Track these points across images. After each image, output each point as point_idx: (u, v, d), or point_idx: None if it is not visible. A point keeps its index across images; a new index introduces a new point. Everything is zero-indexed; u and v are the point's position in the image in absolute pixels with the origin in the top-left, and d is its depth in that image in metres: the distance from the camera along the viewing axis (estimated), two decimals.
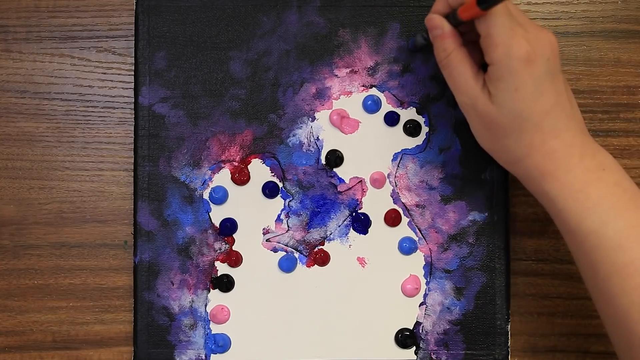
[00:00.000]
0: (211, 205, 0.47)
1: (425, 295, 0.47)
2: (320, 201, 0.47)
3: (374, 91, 0.48)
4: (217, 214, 0.47)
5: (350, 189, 0.47)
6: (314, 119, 0.47)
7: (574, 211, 0.39)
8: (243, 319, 0.47)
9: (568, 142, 0.40)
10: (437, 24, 0.41)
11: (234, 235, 0.47)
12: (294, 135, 0.47)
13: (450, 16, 0.41)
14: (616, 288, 0.38)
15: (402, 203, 0.47)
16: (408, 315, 0.47)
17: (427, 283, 0.47)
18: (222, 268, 0.47)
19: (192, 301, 0.47)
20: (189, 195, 0.47)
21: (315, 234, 0.47)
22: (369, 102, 0.47)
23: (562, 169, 0.39)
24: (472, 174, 0.47)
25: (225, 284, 0.47)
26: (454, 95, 0.41)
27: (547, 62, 0.39)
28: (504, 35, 0.38)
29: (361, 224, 0.47)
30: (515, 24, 0.39)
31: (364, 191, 0.47)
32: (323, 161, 0.47)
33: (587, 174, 0.39)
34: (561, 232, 0.41)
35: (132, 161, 0.47)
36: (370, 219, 0.47)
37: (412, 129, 0.47)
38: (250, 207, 0.47)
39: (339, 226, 0.47)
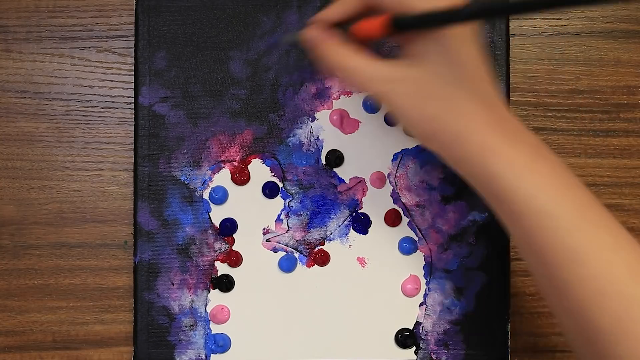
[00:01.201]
0: (211, 205, 0.47)
1: (425, 295, 0.47)
2: (320, 201, 0.47)
3: None
4: (217, 214, 0.47)
5: (350, 189, 0.47)
6: (314, 119, 0.47)
7: (522, 188, 0.34)
8: (243, 319, 0.47)
9: (505, 116, 0.36)
10: (313, 33, 0.38)
11: (234, 235, 0.47)
12: (294, 135, 0.47)
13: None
14: (571, 275, 0.34)
15: (402, 203, 0.47)
16: (408, 315, 0.47)
17: (427, 283, 0.47)
18: (222, 268, 0.47)
19: (192, 301, 0.47)
20: (189, 195, 0.47)
21: (315, 234, 0.47)
22: (369, 102, 0.47)
23: (507, 143, 0.35)
24: None
25: (225, 284, 0.47)
26: (351, 84, 0.37)
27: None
28: None
29: (361, 224, 0.47)
30: None
31: (364, 191, 0.47)
32: (323, 161, 0.47)
33: (532, 149, 0.35)
34: (502, 215, 0.36)
35: (132, 161, 0.47)
36: (370, 219, 0.47)
37: None
38: (250, 207, 0.47)
39: (339, 226, 0.47)
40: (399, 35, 0.35)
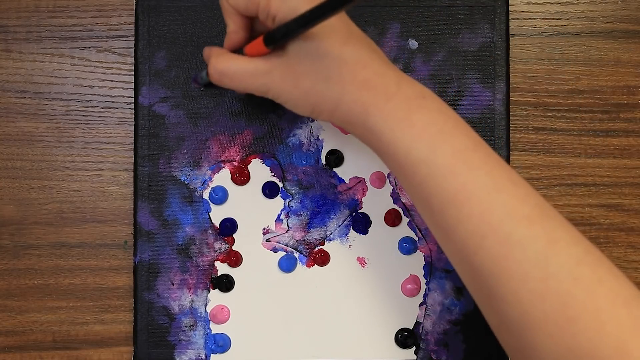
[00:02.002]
0: (211, 205, 0.47)
1: (425, 295, 0.47)
2: (320, 201, 0.47)
3: None
4: (217, 214, 0.47)
5: (350, 189, 0.47)
6: (314, 119, 0.47)
7: (400, 141, 0.36)
8: (243, 319, 0.47)
9: (379, 71, 0.37)
10: (205, 53, 0.42)
11: (234, 235, 0.47)
12: (294, 135, 0.47)
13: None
14: (452, 219, 0.35)
15: (402, 203, 0.47)
16: (408, 315, 0.47)
17: (427, 283, 0.47)
18: (222, 268, 0.47)
19: (192, 301, 0.47)
20: (189, 195, 0.47)
21: (315, 234, 0.47)
22: None
23: (382, 99, 0.37)
24: None
25: (225, 284, 0.47)
26: (239, 87, 0.40)
27: None
28: None
29: (361, 224, 0.47)
30: None
31: (364, 191, 0.47)
32: (323, 161, 0.47)
33: (408, 101, 0.37)
34: (391, 169, 0.38)
35: (132, 161, 0.47)
36: (370, 219, 0.47)
37: None
38: (250, 207, 0.47)
39: (339, 226, 0.47)
40: (279, 45, 0.38)
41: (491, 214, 0.35)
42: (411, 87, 0.37)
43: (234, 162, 0.47)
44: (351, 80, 0.37)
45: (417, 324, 0.47)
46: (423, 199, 0.37)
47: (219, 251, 0.47)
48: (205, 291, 0.47)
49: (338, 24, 0.37)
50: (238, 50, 0.41)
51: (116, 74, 0.49)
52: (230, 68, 0.39)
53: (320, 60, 0.37)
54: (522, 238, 0.34)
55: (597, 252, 0.34)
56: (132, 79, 0.48)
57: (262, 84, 0.39)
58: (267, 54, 0.38)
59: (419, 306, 0.47)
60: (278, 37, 0.37)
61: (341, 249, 0.47)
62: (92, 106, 0.49)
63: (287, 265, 0.47)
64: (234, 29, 0.40)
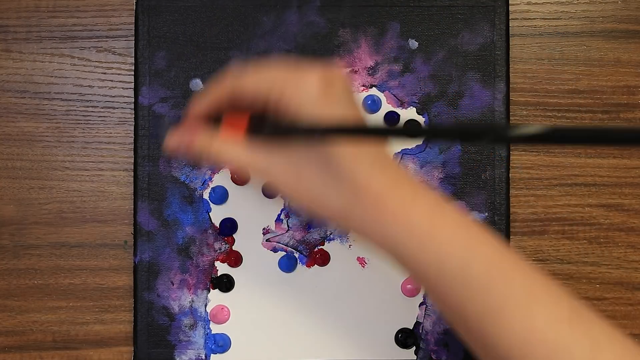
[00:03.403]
0: (211, 205, 0.47)
1: (425, 295, 0.47)
2: None
3: (374, 91, 0.48)
4: (217, 214, 0.47)
5: None
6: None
7: (429, 256, 0.34)
8: (243, 319, 0.47)
9: (394, 181, 0.35)
10: (177, 138, 0.38)
11: (234, 235, 0.47)
12: None
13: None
14: (493, 331, 0.34)
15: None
16: (408, 315, 0.47)
17: None
18: (222, 268, 0.47)
19: (192, 301, 0.47)
20: (189, 195, 0.47)
21: (315, 234, 0.47)
22: (369, 101, 0.47)
23: (401, 211, 0.34)
24: (472, 174, 0.47)
25: (225, 284, 0.47)
26: (251, 169, 0.37)
27: (345, 88, 0.34)
28: (281, 74, 0.34)
29: None
30: (289, 68, 0.35)
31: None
32: None
33: (429, 211, 0.34)
34: (416, 277, 0.35)
35: (132, 161, 0.47)
36: None
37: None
38: (250, 207, 0.47)
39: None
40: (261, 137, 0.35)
41: (534, 323, 0.34)
42: (426, 195, 0.35)
43: None
44: (366, 190, 0.34)
45: (417, 324, 0.47)
46: (454, 307, 0.35)
47: (219, 251, 0.47)
48: (205, 291, 0.47)
49: (355, 111, 0.35)
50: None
51: (116, 74, 0.49)
52: (226, 156, 0.36)
53: (331, 165, 0.34)
54: (568, 343, 0.33)
55: (636, 347, 0.34)
56: (132, 79, 0.48)
57: (266, 176, 0.36)
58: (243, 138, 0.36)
59: (419, 306, 0.47)
60: (271, 134, 0.34)
61: (341, 249, 0.47)
62: (92, 106, 0.49)
63: (287, 265, 0.47)
64: (216, 99, 0.37)
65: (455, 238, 0.34)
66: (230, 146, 0.36)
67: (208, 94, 0.37)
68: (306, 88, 0.34)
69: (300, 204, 0.36)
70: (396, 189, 0.34)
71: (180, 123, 0.39)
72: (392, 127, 0.28)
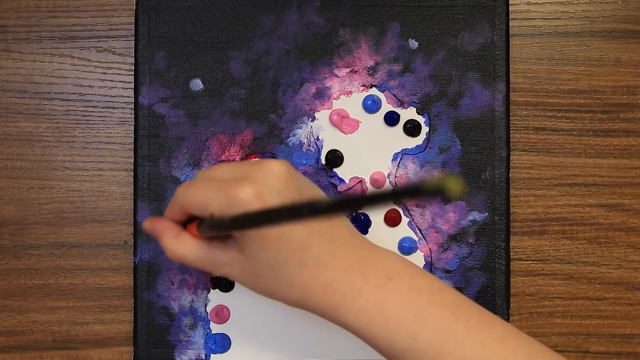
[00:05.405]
0: None
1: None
2: None
3: (374, 91, 0.48)
4: None
5: (350, 189, 0.47)
6: (314, 119, 0.47)
7: (380, 336, 0.35)
8: (243, 319, 0.47)
9: (342, 267, 0.36)
10: (150, 227, 0.40)
11: None
12: (294, 135, 0.47)
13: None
14: None
15: (402, 203, 0.47)
16: None
17: None
18: None
19: (192, 301, 0.47)
20: None
21: None
22: (369, 102, 0.47)
23: (349, 298, 0.35)
24: (472, 174, 0.47)
25: (225, 284, 0.47)
26: (211, 270, 0.39)
27: (279, 193, 0.35)
28: (213, 193, 0.35)
29: (361, 223, 0.47)
30: (222, 181, 0.36)
31: (363, 191, 0.47)
32: (323, 161, 0.47)
33: (376, 292, 0.35)
34: (373, 348, 0.37)
35: (132, 161, 0.47)
36: (370, 219, 0.47)
37: (412, 129, 0.47)
38: None
39: None
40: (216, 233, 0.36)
41: None
42: (376, 270, 0.36)
43: None
44: (313, 285, 0.36)
45: None
46: None
47: None
48: (205, 291, 0.47)
49: (296, 227, 0.35)
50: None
51: (116, 74, 0.49)
52: (189, 256, 0.38)
53: (279, 267, 0.35)
54: None
55: None
56: (132, 79, 0.48)
57: (223, 274, 0.38)
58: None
59: None
60: (213, 228, 0.35)
61: None
62: (92, 106, 0.49)
63: None
64: (175, 213, 0.39)
65: (403, 315, 0.35)
66: (192, 246, 0.38)
67: (169, 209, 0.39)
68: (239, 203, 0.34)
69: (262, 294, 0.38)
70: (344, 272, 0.36)
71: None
72: (320, 202, 0.27)
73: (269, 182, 0.35)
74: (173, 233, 0.38)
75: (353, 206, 0.26)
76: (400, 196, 0.24)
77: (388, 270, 0.36)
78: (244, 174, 0.36)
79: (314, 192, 0.38)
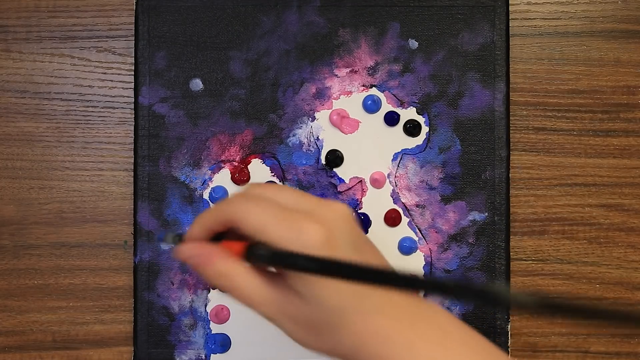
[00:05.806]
0: (211, 205, 0.47)
1: (425, 296, 0.47)
2: None
3: (374, 91, 0.48)
4: None
5: (350, 189, 0.47)
6: (314, 118, 0.47)
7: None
8: (243, 319, 0.47)
9: (394, 316, 0.33)
10: (195, 252, 0.34)
11: None
12: (294, 135, 0.47)
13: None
14: None
15: (402, 203, 0.47)
16: None
17: None
18: None
19: (192, 301, 0.47)
20: (189, 195, 0.47)
21: None
22: (369, 102, 0.47)
23: (405, 351, 0.32)
24: (472, 174, 0.47)
25: None
26: (255, 309, 0.34)
27: (349, 235, 0.33)
28: (276, 219, 0.32)
29: (361, 224, 0.47)
30: (286, 210, 0.32)
31: (363, 191, 0.47)
32: (323, 161, 0.47)
33: (428, 344, 0.33)
34: None
35: (132, 161, 0.47)
36: (370, 219, 0.47)
37: (412, 129, 0.47)
38: None
39: None
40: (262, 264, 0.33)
41: None
42: (427, 321, 0.33)
43: (234, 162, 0.47)
44: (370, 333, 0.32)
45: None
46: None
47: None
48: (205, 291, 0.47)
49: (343, 293, 0.32)
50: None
51: (116, 74, 0.49)
52: (244, 288, 0.33)
53: (340, 312, 0.32)
54: None
55: None
56: (132, 79, 0.48)
57: (269, 313, 0.34)
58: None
59: None
60: (266, 261, 0.32)
61: None
62: (92, 106, 0.49)
63: None
64: (216, 224, 0.34)
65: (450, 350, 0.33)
66: (244, 276, 0.33)
67: (205, 218, 0.35)
68: (304, 242, 0.32)
69: (304, 347, 0.34)
70: (399, 322, 0.33)
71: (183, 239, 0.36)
72: (393, 274, 0.27)
73: (338, 228, 0.33)
74: (221, 261, 0.34)
75: (447, 293, 0.26)
76: (486, 300, 0.24)
77: (439, 322, 0.34)
78: (310, 209, 0.33)
79: (372, 248, 0.35)
